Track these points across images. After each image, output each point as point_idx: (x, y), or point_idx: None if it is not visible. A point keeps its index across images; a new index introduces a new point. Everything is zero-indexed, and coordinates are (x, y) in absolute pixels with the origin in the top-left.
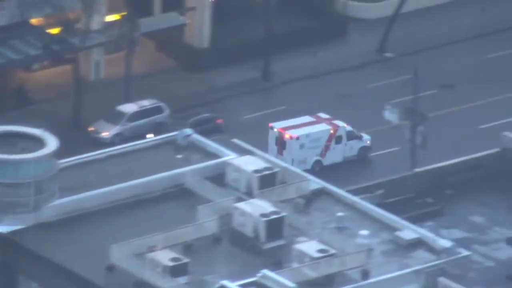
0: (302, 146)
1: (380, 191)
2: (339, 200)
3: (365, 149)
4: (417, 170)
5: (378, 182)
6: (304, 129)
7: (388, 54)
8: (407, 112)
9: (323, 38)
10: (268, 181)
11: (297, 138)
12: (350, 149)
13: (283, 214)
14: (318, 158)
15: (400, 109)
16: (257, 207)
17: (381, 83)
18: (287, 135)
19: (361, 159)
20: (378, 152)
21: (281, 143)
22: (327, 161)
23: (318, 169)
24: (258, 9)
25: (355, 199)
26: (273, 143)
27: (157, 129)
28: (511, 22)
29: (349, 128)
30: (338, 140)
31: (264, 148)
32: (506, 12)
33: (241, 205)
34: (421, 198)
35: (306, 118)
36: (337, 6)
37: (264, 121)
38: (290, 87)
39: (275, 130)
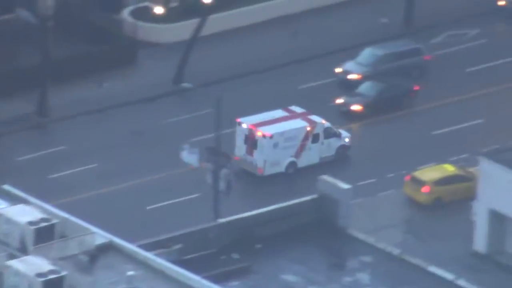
0: (276, 145)
1: (178, 246)
2: (129, 257)
3: (343, 148)
4: (221, 220)
5: (175, 235)
6: (278, 125)
7: (185, 85)
8: (209, 153)
9: (109, 66)
10: (45, 234)
11: (271, 137)
12: (327, 148)
13: (63, 273)
14: (293, 159)
15: (201, 149)
16: (33, 266)
17: (178, 118)
18: (259, 132)
19: (339, 160)
20: (175, 200)
21: (251, 142)
22: (302, 162)
23: (292, 172)
24: (32, 31)
25: (149, 255)
26: (241, 141)
27: None
28: (325, 48)
29: (327, 124)
30: (315, 138)
31: (41, 195)
32: (319, 38)
33: (14, 263)
34: (226, 253)
35: (279, 113)
36: (126, 28)
37: (41, 163)
38: (71, 123)
39: (245, 126)
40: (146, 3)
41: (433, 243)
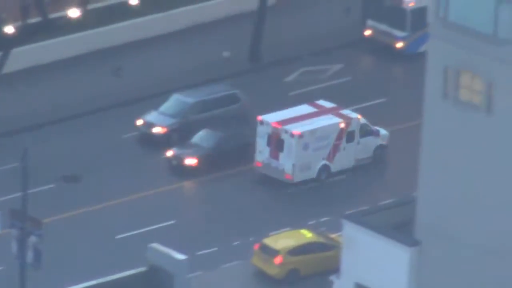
0: (306, 146)
1: None
2: None
3: (381, 149)
4: None
5: None
6: (307, 123)
7: None
8: (14, 217)
9: None
10: None
11: (300, 136)
12: (364, 149)
13: None
14: (325, 162)
15: (4, 213)
16: None
17: None
18: (289, 132)
19: (377, 162)
20: None
21: (276, 143)
22: (336, 166)
23: (324, 178)
24: None
25: None
26: (264, 143)
27: None
28: (154, 88)
29: (363, 120)
30: (350, 137)
31: None
32: (148, 75)
33: None
34: None
35: (305, 108)
36: None
37: None
38: None
39: (267, 124)
40: None
41: None
